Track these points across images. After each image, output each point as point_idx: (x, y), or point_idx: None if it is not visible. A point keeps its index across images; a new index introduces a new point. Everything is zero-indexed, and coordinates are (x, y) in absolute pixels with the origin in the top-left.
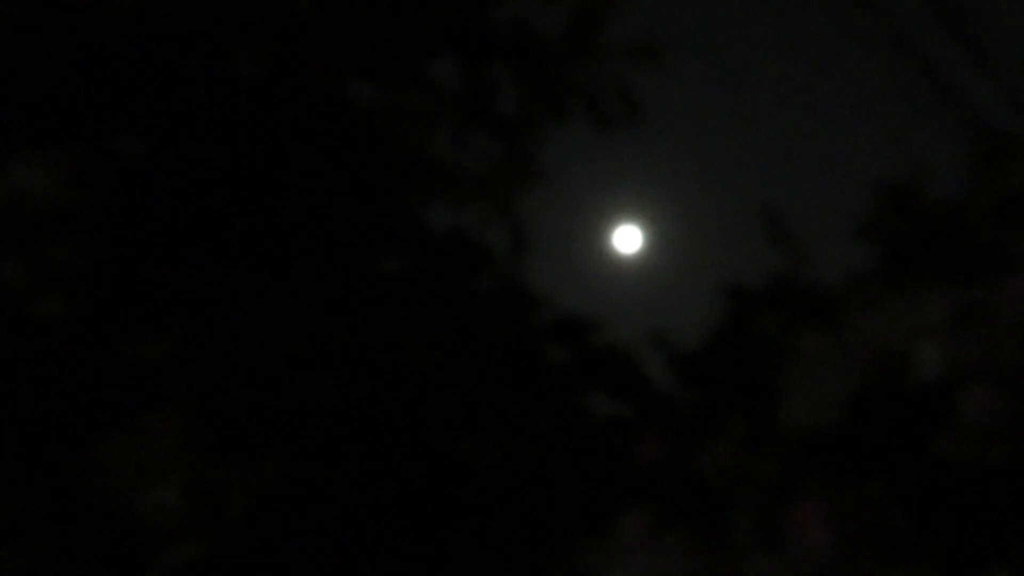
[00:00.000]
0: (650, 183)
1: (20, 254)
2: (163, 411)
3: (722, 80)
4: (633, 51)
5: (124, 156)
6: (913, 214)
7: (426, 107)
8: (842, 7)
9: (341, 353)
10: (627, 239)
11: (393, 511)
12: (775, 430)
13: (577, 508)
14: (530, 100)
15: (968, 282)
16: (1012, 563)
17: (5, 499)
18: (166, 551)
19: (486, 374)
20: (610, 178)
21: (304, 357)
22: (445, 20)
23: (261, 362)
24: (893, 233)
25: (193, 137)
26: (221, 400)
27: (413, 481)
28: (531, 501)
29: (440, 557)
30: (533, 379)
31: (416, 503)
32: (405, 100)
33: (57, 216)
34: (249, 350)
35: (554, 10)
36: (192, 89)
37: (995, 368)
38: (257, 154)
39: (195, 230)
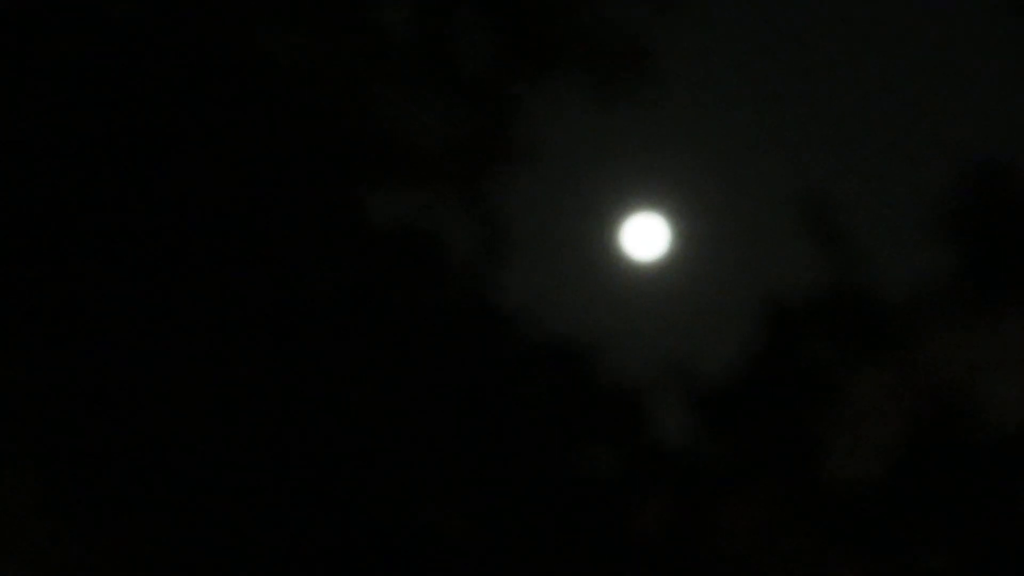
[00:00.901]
0: (668, 166)
1: None
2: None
3: (760, 29)
4: None
5: None
6: (1001, 207)
7: (368, 59)
8: None
9: (251, 386)
10: (640, 237)
11: None
12: (815, 487)
13: None
14: (506, 50)
15: None
16: None
17: None
18: None
19: (442, 417)
20: (616, 159)
21: (200, 391)
22: None
23: (145, 395)
24: (975, 231)
25: (61, 95)
26: (79, 449)
27: (349, 554)
28: None
29: None
30: (504, 424)
31: None
32: (340, 50)
33: None
34: (134, 378)
35: None
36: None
37: None
38: (146, 120)
39: (64, 220)
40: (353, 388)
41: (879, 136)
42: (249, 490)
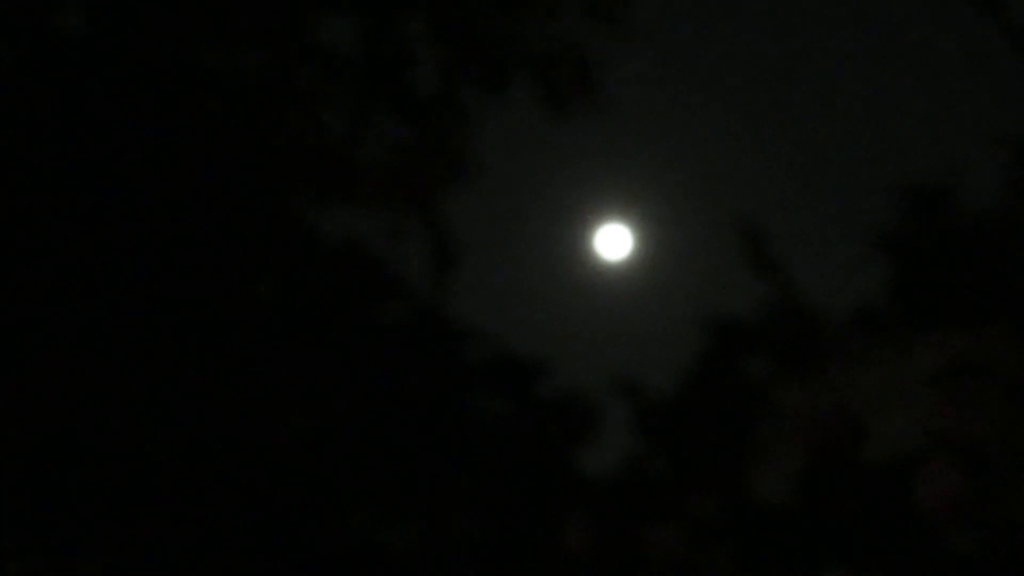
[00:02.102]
0: (618, 181)
1: None
2: None
3: (705, 50)
4: (589, 6)
5: None
6: (937, 229)
7: (316, 78)
8: None
9: (189, 409)
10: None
11: None
12: (738, 507)
13: None
14: (456, 65)
15: (979, 321)
16: None
17: None
18: None
19: (387, 436)
20: (566, 173)
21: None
22: None
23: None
24: (910, 251)
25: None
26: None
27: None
28: None
29: None
30: (451, 439)
31: None
32: (288, 65)
33: None
34: (72, 389)
35: None
36: None
37: (967, 439)
38: (90, 140)
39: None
40: (302, 408)
41: (819, 158)
42: (194, 505)
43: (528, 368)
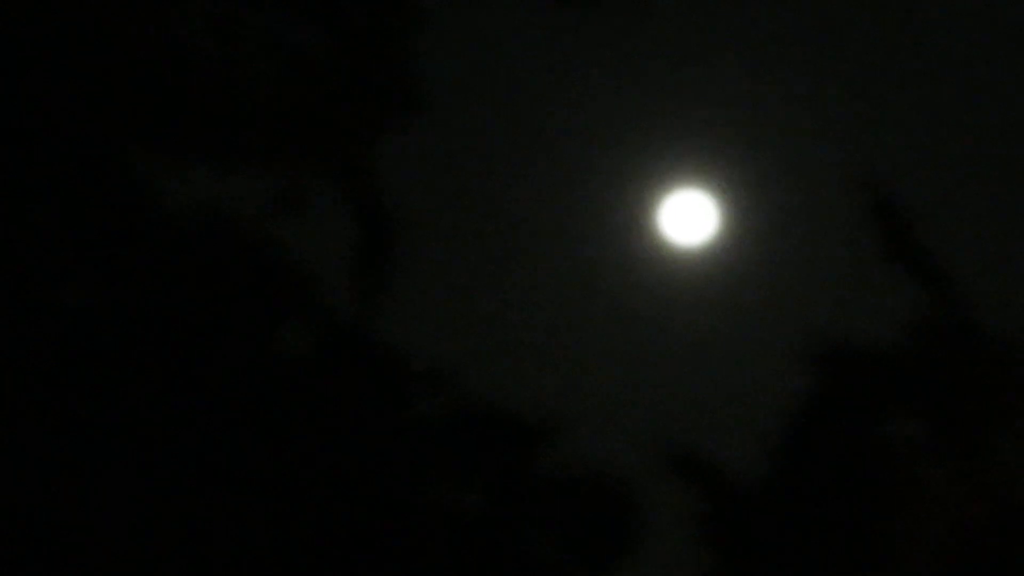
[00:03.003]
0: (700, 134)
1: None
2: None
3: None
4: None
5: None
6: None
7: None
8: None
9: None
10: (666, 232)
11: None
12: None
13: None
14: None
15: None
16: None
17: None
18: None
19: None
20: (625, 122)
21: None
22: None
23: None
24: None
25: None
26: None
27: None
28: None
29: None
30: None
31: None
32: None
33: None
34: None
35: None
36: None
37: None
38: None
39: None
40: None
41: (978, 122)
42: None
43: (523, 432)
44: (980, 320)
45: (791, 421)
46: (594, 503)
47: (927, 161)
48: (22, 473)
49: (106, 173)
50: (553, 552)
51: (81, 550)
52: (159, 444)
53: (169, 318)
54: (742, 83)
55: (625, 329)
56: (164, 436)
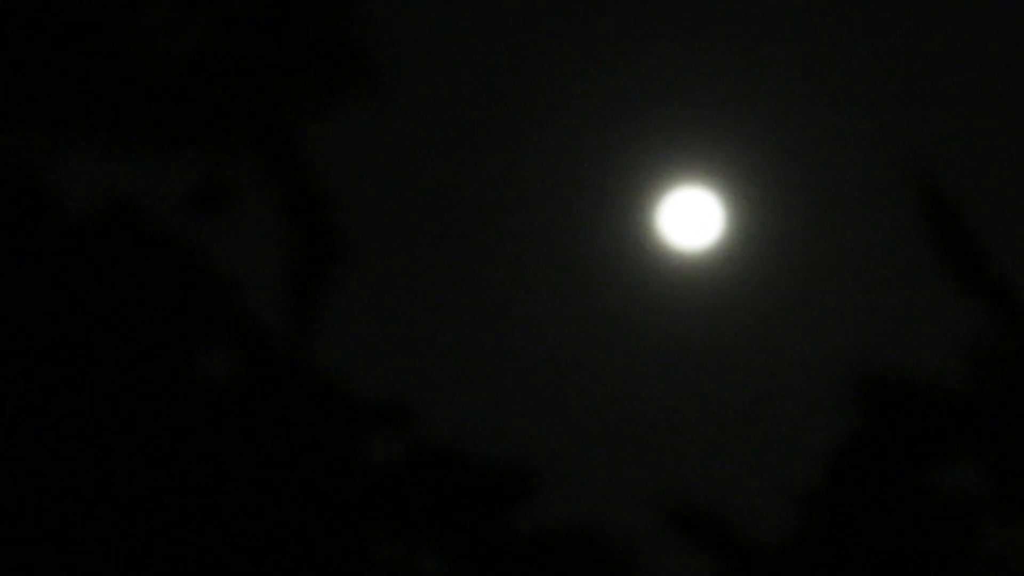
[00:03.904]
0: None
1: None
2: None
3: None
4: None
5: None
6: None
7: None
8: None
9: None
10: (668, 236)
11: None
12: None
13: None
14: None
15: None
16: None
17: None
18: None
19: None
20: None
21: None
22: None
23: None
24: None
25: None
26: None
27: None
28: None
29: None
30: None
31: None
32: None
33: None
34: None
35: None
36: None
37: None
38: None
39: None
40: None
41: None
42: None
43: (495, 481)
44: None
45: (822, 468)
46: (581, 570)
47: (977, 153)
48: None
49: None
50: None
51: None
52: (53, 494)
53: (66, 338)
54: (754, 58)
55: (619, 356)
56: (57, 486)
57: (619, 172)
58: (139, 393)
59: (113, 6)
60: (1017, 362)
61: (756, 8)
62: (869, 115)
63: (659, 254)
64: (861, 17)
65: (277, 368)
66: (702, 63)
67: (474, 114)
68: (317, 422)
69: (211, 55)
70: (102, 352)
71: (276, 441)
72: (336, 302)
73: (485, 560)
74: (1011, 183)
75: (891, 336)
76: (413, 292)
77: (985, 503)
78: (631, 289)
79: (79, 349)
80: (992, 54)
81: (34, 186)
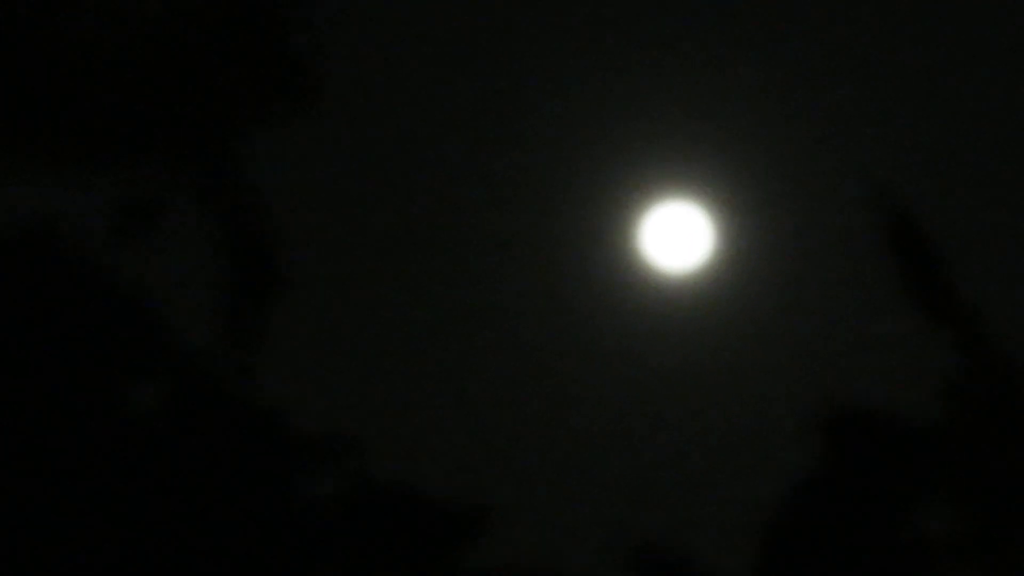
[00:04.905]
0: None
1: None
2: None
3: None
4: None
5: None
6: None
7: None
8: None
9: None
10: (651, 254)
11: None
12: None
13: None
14: None
15: None
16: None
17: None
18: None
19: None
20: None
21: None
22: None
23: None
24: None
25: None
26: None
27: None
28: None
29: None
30: None
31: None
32: None
33: None
34: None
35: None
36: None
37: None
38: None
39: None
40: None
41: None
42: None
43: (444, 521)
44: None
45: (792, 508)
46: None
47: (956, 177)
48: None
49: None
50: None
51: None
52: None
53: None
54: (741, 74)
55: (580, 386)
56: None
57: (598, 190)
58: (65, 426)
59: (37, 22)
60: (988, 398)
61: (744, 25)
62: (853, 148)
63: (636, 272)
64: (850, 33)
65: (210, 399)
66: (685, 78)
67: (429, 132)
68: (253, 457)
69: (141, 68)
70: (24, 385)
71: (209, 477)
72: (274, 327)
73: None
74: (988, 215)
75: (862, 370)
76: (359, 317)
77: (952, 540)
78: (593, 317)
79: (6, 376)
80: (985, 77)
81: None
